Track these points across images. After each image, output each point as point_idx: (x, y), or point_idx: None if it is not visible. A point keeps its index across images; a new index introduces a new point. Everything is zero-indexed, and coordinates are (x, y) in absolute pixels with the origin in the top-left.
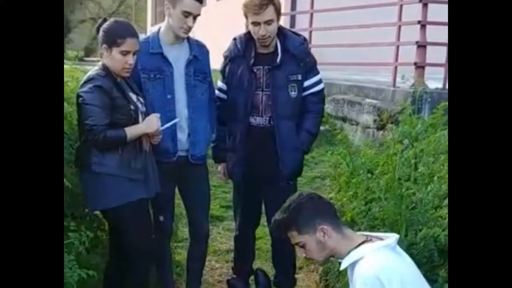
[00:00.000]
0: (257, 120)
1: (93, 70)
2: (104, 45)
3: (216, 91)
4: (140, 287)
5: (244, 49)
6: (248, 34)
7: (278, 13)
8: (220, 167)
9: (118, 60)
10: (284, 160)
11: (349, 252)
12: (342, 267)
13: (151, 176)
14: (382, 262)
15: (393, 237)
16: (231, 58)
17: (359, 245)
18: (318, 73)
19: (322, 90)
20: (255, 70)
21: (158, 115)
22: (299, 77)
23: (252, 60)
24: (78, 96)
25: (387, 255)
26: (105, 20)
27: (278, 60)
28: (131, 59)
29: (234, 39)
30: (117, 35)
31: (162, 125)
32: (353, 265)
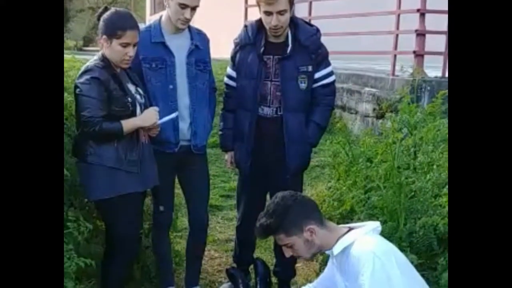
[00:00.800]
0: (264, 111)
1: (91, 60)
2: (104, 36)
3: (226, 78)
4: (126, 277)
5: (255, 37)
6: (259, 22)
7: (291, 3)
8: (227, 156)
9: (118, 51)
10: (290, 153)
11: (337, 241)
12: (335, 252)
13: (148, 169)
14: (376, 241)
15: (375, 223)
16: (241, 46)
17: (346, 232)
18: (329, 65)
19: (333, 82)
20: (265, 59)
21: (156, 108)
22: (310, 68)
23: (262, 49)
24: (76, 86)
25: (378, 237)
26: (106, 8)
27: (288, 50)
28: (131, 51)
29: (245, 26)
30: (117, 26)
31: (161, 117)
32: (344, 251)
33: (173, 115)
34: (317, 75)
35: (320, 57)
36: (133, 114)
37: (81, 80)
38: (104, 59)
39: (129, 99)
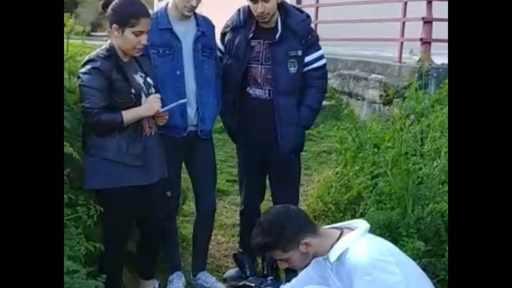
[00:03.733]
0: (256, 92)
1: (97, 50)
2: (115, 25)
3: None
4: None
5: (246, 21)
6: None
7: None
8: None
9: (131, 40)
10: (283, 136)
11: (331, 246)
12: (332, 260)
13: (154, 161)
14: (370, 246)
15: (363, 222)
16: (232, 28)
17: (340, 236)
18: (319, 48)
19: (323, 65)
20: (253, 43)
21: (158, 96)
22: (299, 53)
23: (251, 33)
24: (78, 77)
25: (370, 239)
26: None
27: (277, 36)
28: (144, 39)
29: (238, 10)
30: (130, 15)
31: (169, 103)
32: (340, 257)
33: (180, 102)
34: (307, 59)
35: (310, 42)
36: (137, 105)
37: (83, 70)
38: (109, 49)
39: (133, 90)
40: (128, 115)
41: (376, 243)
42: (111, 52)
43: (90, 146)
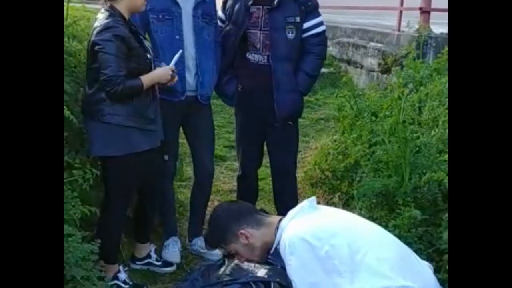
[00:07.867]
0: (255, 58)
1: (105, 17)
2: None
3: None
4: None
5: None
6: None
7: None
8: None
9: None
10: (279, 101)
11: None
12: (272, 255)
13: (159, 125)
14: (299, 226)
15: (306, 201)
16: None
17: (278, 224)
18: (319, 15)
19: (322, 32)
20: (253, 9)
21: (172, 67)
22: (297, 19)
23: (251, 1)
24: (96, 43)
25: (304, 219)
26: None
27: (275, 1)
28: None
29: None
30: None
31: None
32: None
33: (178, 54)
34: (306, 25)
35: (309, 8)
36: (150, 70)
37: (102, 37)
38: (118, 15)
39: (148, 55)
40: (147, 80)
41: (313, 223)
42: (122, 19)
43: (105, 113)
